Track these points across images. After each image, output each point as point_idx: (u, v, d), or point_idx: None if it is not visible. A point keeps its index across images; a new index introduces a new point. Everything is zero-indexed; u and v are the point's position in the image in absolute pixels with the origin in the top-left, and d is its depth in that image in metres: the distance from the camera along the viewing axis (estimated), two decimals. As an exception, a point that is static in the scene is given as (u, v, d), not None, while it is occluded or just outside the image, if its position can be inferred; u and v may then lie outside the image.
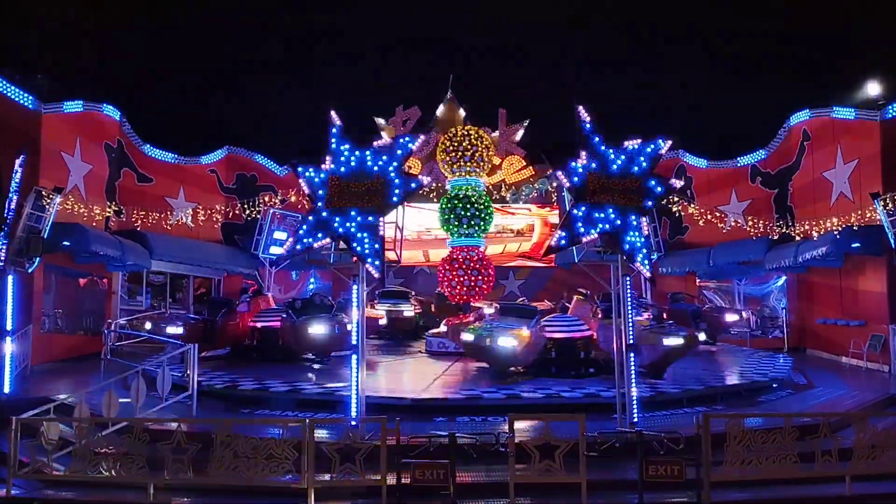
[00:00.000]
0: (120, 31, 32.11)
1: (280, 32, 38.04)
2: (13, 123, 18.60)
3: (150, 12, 33.97)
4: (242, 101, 35.06)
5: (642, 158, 11.70)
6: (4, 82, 18.91)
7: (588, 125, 11.63)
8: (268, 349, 19.43)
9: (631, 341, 11.72)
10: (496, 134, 30.95)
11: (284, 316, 19.17)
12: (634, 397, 11.59)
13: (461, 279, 22.71)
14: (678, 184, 12.55)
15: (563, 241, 11.47)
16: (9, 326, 15.30)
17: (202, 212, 26.11)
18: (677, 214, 28.03)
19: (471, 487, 9.75)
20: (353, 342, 11.54)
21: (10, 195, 15.90)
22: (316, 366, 18.62)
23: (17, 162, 16.15)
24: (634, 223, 11.55)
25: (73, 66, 27.47)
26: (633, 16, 36.34)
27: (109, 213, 22.76)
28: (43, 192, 17.25)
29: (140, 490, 9.78)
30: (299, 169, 11.65)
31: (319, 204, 11.39)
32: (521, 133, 31.72)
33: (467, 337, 17.34)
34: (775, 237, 23.34)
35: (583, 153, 11.53)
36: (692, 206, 26.66)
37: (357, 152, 11.42)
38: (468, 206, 22.78)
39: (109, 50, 30.95)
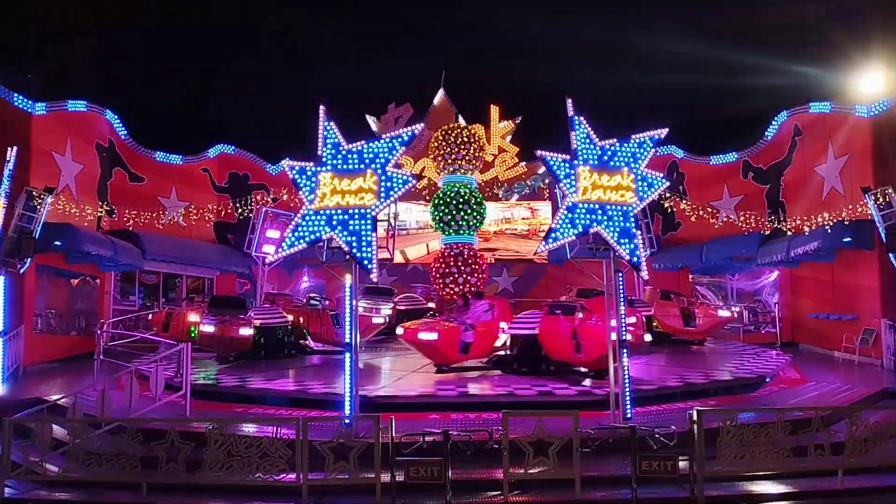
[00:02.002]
0: (111, 31, 32.02)
1: (272, 30, 37.98)
2: (3, 123, 18.50)
3: (143, 12, 33.87)
4: (234, 99, 35.02)
5: (634, 154, 11.73)
6: (-6, 82, 18.84)
7: (580, 121, 11.64)
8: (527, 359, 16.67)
9: (624, 337, 11.76)
10: (489, 130, 31.01)
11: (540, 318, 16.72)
12: (627, 393, 11.63)
13: (454, 276, 22.73)
14: (665, 184, 12.56)
15: (555, 238, 11.48)
16: (0, 327, 15.24)
17: (194, 211, 26.08)
18: (669, 210, 28.09)
19: (465, 484, 9.74)
20: (347, 339, 11.55)
21: (1, 196, 15.84)
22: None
23: (8, 162, 16.09)
24: (626, 219, 11.58)
25: (64, 66, 27.39)
26: (628, 10, 36.41)
27: (101, 212, 22.70)
28: (34, 193, 17.23)
29: (134, 490, 9.76)
30: (291, 167, 11.64)
31: (311, 202, 11.38)
32: (513, 129, 31.78)
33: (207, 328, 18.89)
34: (767, 232, 23.42)
35: (574, 149, 11.55)
36: (684, 201, 26.72)
37: (349, 150, 11.41)
38: (460, 203, 22.79)
39: (100, 49, 30.86)
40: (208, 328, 18.86)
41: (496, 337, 17.02)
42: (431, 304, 25.70)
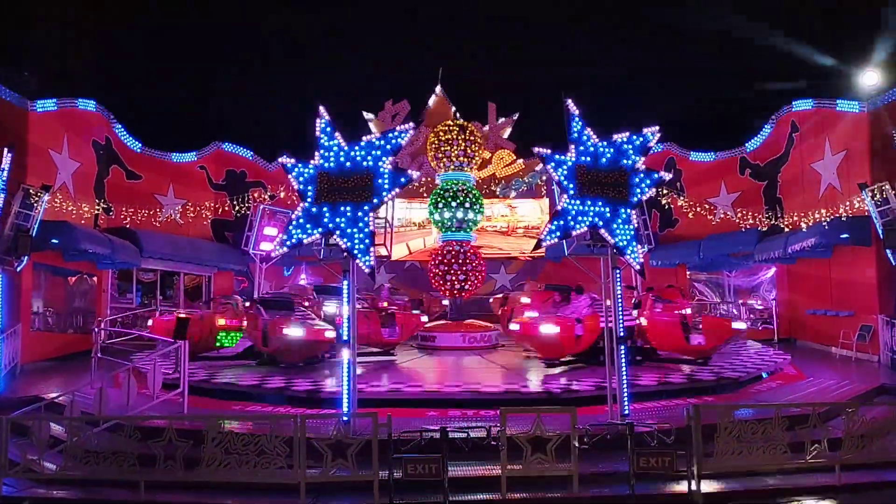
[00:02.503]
0: (109, 29, 31.89)
1: (268, 27, 37.88)
2: (0, 121, 18.47)
3: (140, 10, 33.75)
4: (232, 97, 34.93)
5: (631, 151, 11.73)
6: (-10, 80, 18.78)
7: (577, 118, 11.63)
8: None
9: (621, 334, 11.77)
10: (486, 128, 31.02)
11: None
12: (625, 389, 11.64)
13: (452, 274, 22.71)
14: (667, 176, 12.59)
15: (552, 235, 11.47)
16: (-2, 325, 15.24)
17: (192, 209, 26.08)
18: (667, 207, 28.14)
19: (463, 481, 9.75)
20: (345, 337, 11.54)
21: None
22: None
23: (4, 160, 16.06)
24: (624, 216, 11.58)
25: (61, 64, 27.29)
26: (622, 6, 36.36)
27: (98, 210, 22.68)
28: (31, 191, 17.21)
29: (132, 487, 9.76)
30: (288, 165, 11.62)
31: (309, 199, 11.36)
32: (510, 127, 31.80)
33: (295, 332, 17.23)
34: (764, 229, 23.48)
35: (572, 146, 11.55)
36: (682, 198, 26.76)
37: (346, 147, 11.39)
38: (458, 201, 22.77)
39: (97, 47, 30.74)
40: (296, 332, 16.76)
41: (599, 330, 17.03)
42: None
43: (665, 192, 26.40)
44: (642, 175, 11.79)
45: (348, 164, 11.32)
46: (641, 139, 11.80)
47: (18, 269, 17.48)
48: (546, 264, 30.35)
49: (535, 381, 15.10)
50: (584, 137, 11.62)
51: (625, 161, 11.67)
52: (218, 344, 19.23)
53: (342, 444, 9.57)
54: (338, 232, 11.20)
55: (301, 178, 11.48)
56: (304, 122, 12.69)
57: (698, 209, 25.99)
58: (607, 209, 11.49)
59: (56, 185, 20.07)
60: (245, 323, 18.88)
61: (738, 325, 18.07)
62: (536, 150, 11.69)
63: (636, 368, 15.93)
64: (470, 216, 22.85)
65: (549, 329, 16.72)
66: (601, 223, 11.44)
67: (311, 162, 11.44)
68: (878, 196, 17.26)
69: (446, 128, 23.29)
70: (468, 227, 23.08)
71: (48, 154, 20.56)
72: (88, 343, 19.41)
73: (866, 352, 19.16)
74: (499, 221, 31.89)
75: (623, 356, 11.71)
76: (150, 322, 20.59)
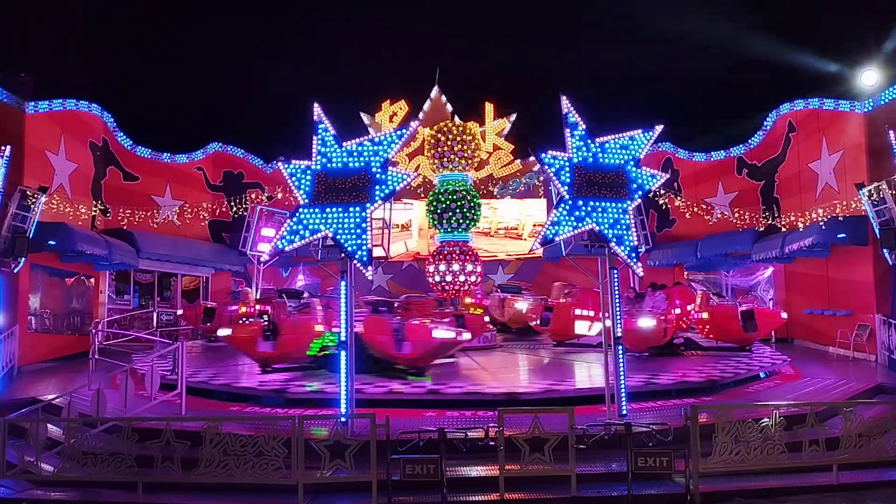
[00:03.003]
0: (105, 29, 31.88)
1: (266, 27, 37.93)
2: (-4, 122, 18.44)
3: (137, 10, 33.74)
4: (229, 98, 34.92)
5: (628, 151, 11.75)
6: (-13, 81, 18.73)
7: (574, 117, 11.64)
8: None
9: (619, 334, 11.77)
10: (483, 128, 31.00)
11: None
12: (623, 389, 11.64)
13: (452, 274, 22.71)
14: (664, 176, 12.59)
15: (550, 236, 11.48)
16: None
17: (189, 209, 26.06)
18: (664, 207, 28.14)
19: (462, 482, 9.76)
20: (343, 338, 11.53)
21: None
22: None
23: (1, 161, 16.04)
24: (621, 216, 11.59)
25: (58, 64, 27.25)
26: (620, 6, 36.37)
27: (95, 211, 22.65)
28: (28, 192, 17.18)
29: (130, 489, 9.75)
30: (285, 166, 11.61)
31: (306, 200, 11.37)
32: (508, 127, 31.80)
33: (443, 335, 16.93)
34: (762, 228, 23.49)
35: (569, 146, 11.56)
36: (679, 198, 26.77)
37: (343, 148, 11.39)
38: (455, 201, 22.77)
39: (94, 47, 30.71)
40: (446, 334, 15.92)
41: (673, 323, 18.79)
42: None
43: (662, 191, 26.40)
44: (639, 175, 11.80)
45: (345, 164, 11.32)
46: (639, 139, 11.82)
47: (16, 270, 17.46)
48: (544, 264, 30.37)
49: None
50: (582, 137, 11.63)
51: (622, 161, 11.68)
52: (309, 353, 16.79)
53: (340, 444, 9.56)
54: (335, 233, 11.20)
55: (298, 179, 11.48)
56: (301, 124, 12.69)
57: (695, 209, 26.01)
58: (605, 209, 11.50)
59: (53, 187, 20.05)
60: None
61: (784, 315, 20.96)
62: (533, 150, 11.69)
63: (678, 360, 18.05)
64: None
65: (647, 323, 17.92)
66: (599, 223, 11.45)
67: (309, 163, 11.44)
68: (874, 196, 17.26)
69: (443, 128, 23.28)
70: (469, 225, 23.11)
71: (45, 155, 20.52)
72: (86, 344, 19.39)
73: (863, 351, 19.19)
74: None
75: (621, 356, 11.69)
76: (221, 332, 19.33)
